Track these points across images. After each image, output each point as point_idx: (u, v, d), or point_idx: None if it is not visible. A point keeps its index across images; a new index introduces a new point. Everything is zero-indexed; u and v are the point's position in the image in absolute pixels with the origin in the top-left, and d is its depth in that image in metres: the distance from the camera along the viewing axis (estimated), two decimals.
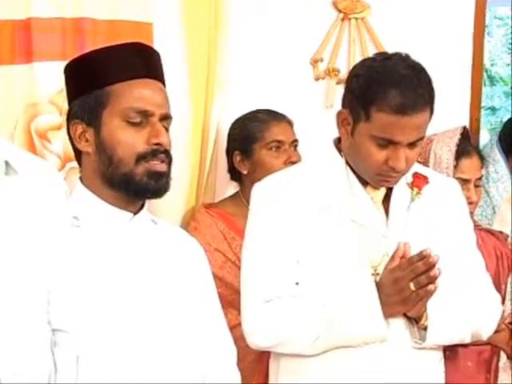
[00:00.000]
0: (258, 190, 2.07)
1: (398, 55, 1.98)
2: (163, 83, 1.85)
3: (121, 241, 1.79)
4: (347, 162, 2.03)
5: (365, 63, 2.02)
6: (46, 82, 2.56)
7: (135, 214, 1.82)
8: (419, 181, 2.06)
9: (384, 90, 1.90)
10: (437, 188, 2.09)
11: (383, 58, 1.99)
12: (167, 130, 1.81)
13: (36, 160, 2.12)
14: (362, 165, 1.99)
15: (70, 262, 1.73)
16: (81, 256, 1.74)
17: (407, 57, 1.98)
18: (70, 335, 1.70)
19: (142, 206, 1.83)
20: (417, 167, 2.10)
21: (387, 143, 1.93)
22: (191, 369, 1.80)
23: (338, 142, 2.07)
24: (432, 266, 1.86)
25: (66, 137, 2.66)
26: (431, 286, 1.87)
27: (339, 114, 2.01)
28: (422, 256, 1.87)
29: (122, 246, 1.78)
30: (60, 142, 2.60)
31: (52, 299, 1.70)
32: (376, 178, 1.99)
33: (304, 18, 3.02)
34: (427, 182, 2.07)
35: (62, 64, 2.59)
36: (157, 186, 1.78)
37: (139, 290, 1.76)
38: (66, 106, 2.57)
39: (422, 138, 1.97)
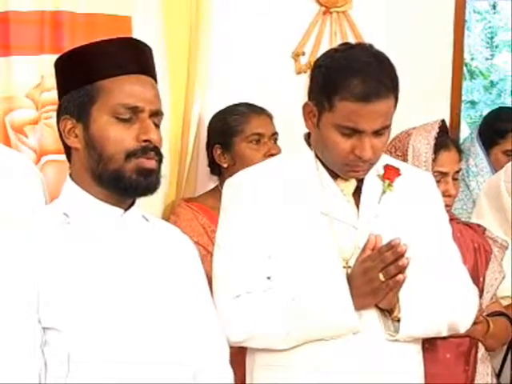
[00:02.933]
0: (229, 186, 2.07)
1: (361, 45, 1.99)
2: (155, 79, 1.82)
3: (112, 237, 1.77)
4: (317, 156, 2.03)
5: (328, 54, 2.02)
6: (23, 75, 2.54)
7: (126, 210, 1.80)
8: (391, 173, 2.05)
9: (346, 78, 1.90)
10: (410, 181, 2.09)
11: (346, 48, 1.99)
12: (158, 126, 1.79)
13: (9, 151, 2.10)
14: (329, 156, 1.98)
15: (60, 260, 1.71)
16: (71, 253, 1.73)
17: (370, 46, 1.97)
18: (62, 333, 1.68)
19: (133, 203, 1.82)
20: (388, 160, 2.10)
21: (352, 132, 1.92)
22: (182, 366, 1.79)
23: (308, 136, 2.07)
24: (401, 256, 1.85)
25: (42, 131, 2.66)
26: (400, 276, 1.86)
27: (305, 106, 2.01)
28: (391, 246, 1.85)
29: (112, 242, 1.77)
30: (36, 136, 2.58)
31: (43, 298, 1.68)
32: (344, 168, 1.98)
33: (286, 11, 3.03)
34: (399, 174, 2.05)
35: (40, 58, 2.59)
36: (146, 182, 1.75)
37: (130, 287, 1.75)
38: (42, 100, 2.58)
39: (387, 127, 1.96)
